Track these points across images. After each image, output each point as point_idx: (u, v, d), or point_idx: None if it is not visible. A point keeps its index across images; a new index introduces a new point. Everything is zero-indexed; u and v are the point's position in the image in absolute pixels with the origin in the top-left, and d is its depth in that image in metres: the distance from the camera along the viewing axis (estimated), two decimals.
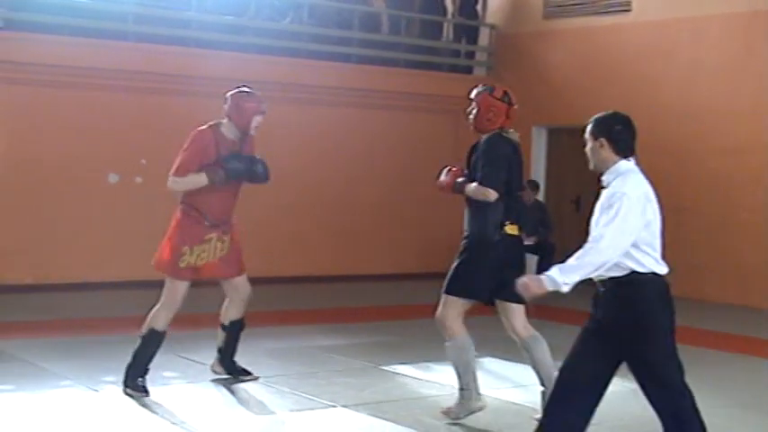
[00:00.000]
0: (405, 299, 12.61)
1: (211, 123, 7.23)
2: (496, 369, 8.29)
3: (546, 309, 12.25)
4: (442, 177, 6.85)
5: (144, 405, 6.75)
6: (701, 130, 13.00)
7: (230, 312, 7.39)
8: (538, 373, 6.60)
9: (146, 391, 6.92)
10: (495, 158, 6.49)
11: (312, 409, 6.79)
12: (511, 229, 6.48)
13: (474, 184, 6.49)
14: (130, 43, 12.37)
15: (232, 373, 7.50)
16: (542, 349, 6.62)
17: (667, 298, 4.91)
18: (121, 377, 7.12)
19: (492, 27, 15.57)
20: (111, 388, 7.10)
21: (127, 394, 6.91)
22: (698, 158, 13.02)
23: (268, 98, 13.26)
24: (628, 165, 5.19)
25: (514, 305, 6.56)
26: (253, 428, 6.37)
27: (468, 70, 15.89)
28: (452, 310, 6.53)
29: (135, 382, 6.95)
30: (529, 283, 5.03)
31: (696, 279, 12.77)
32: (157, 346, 7.07)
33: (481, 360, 8.52)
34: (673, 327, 4.87)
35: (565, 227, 14.33)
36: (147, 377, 7.00)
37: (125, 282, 12.00)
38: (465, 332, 6.60)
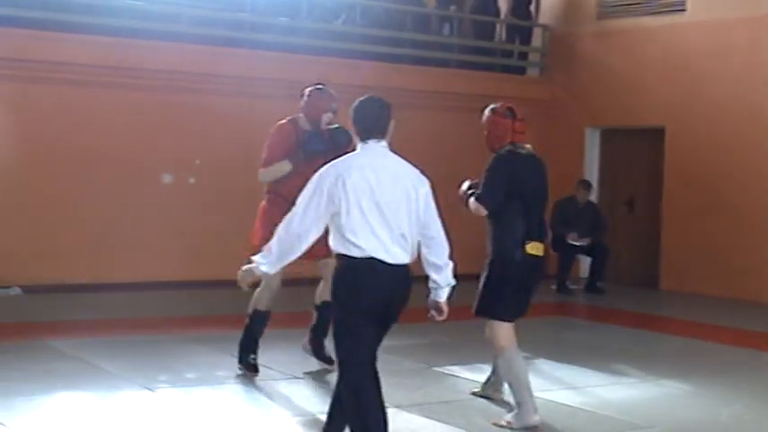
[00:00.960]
0: (457, 300, 12.57)
1: (290, 117, 7.78)
2: (549, 371, 8.24)
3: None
4: (462, 187, 7.01)
5: (198, 404, 6.80)
6: (758, 130, 12.83)
7: (324, 293, 7.54)
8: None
9: (255, 370, 7.54)
10: (495, 175, 6.51)
11: None
12: (532, 249, 6.43)
13: (472, 199, 6.65)
14: (184, 44, 12.46)
15: (318, 357, 7.84)
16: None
17: (362, 281, 5.09)
18: (175, 376, 7.20)
19: (545, 27, 15.49)
20: (166, 387, 7.17)
21: (240, 371, 7.56)
22: (755, 158, 12.86)
23: None
24: (361, 148, 5.31)
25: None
26: (304, 428, 6.39)
27: (521, 71, 15.83)
28: (500, 329, 6.58)
29: (247, 360, 7.59)
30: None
31: (753, 280, 12.65)
32: (263, 325, 7.65)
33: (535, 361, 8.50)
34: (363, 309, 5.10)
35: (618, 228, 14.24)
36: (201, 376, 7.06)
37: (178, 282, 12.10)
38: (513, 345, 6.61)
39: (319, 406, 6.80)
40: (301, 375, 7.69)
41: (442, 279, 5.50)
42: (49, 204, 11.77)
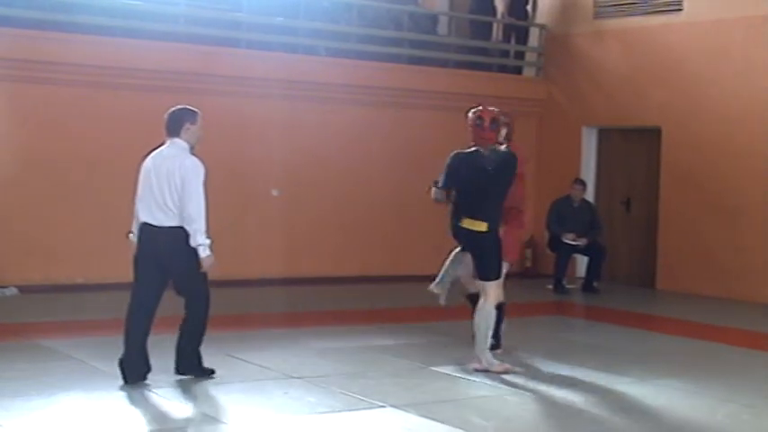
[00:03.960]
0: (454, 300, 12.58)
1: None
2: (546, 370, 8.24)
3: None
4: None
5: (194, 403, 6.81)
6: (754, 130, 12.84)
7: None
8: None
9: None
10: (445, 167, 8.10)
11: (361, 409, 6.80)
12: (466, 223, 7.93)
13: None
14: (181, 44, 12.46)
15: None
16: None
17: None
18: (172, 375, 7.22)
19: (542, 27, 15.50)
20: (162, 386, 7.16)
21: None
22: (751, 159, 12.87)
23: (317, 99, 13.50)
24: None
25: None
26: (302, 428, 6.40)
27: (518, 71, 15.84)
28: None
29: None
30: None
31: (748, 280, 12.66)
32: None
33: (531, 360, 8.52)
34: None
35: (615, 228, 14.25)
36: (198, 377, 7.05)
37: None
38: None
39: (308, 406, 6.80)
40: (296, 375, 7.69)
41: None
42: (45, 204, 11.75)
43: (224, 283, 12.37)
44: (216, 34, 12.82)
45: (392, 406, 6.83)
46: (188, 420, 6.51)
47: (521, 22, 15.63)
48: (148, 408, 6.72)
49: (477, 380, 7.69)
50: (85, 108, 11.99)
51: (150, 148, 7.63)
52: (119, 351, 7.24)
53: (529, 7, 15.67)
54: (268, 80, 12.93)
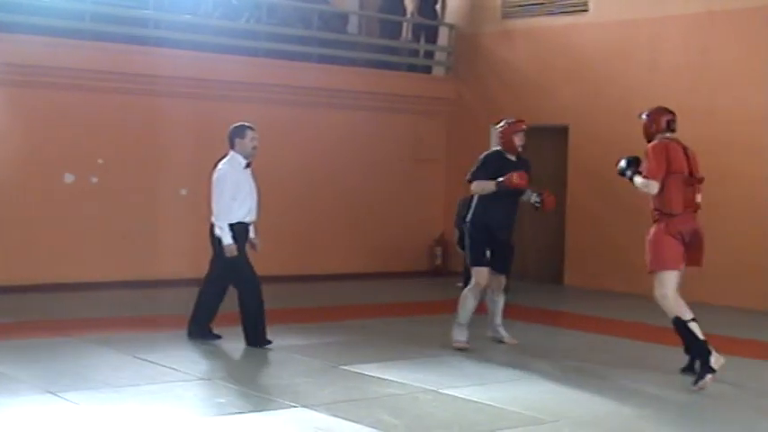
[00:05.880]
0: (365, 298, 12.62)
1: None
2: (456, 367, 8.30)
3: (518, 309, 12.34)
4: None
5: (101, 408, 6.69)
6: None
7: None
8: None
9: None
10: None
11: (272, 409, 6.76)
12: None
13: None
14: (87, 42, 12.26)
15: None
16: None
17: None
18: (79, 379, 7.08)
19: (451, 27, 15.60)
20: (69, 391, 7.02)
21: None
22: None
23: (226, 97, 13.39)
24: None
25: None
26: (212, 429, 6.33)
27: (428, 70, 15.93)
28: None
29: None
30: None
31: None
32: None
33: (441, 358, 8.57)
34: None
35: (524, 225, 14.37)
36: (104, 378, 6.93)
37: (82, 283, 11.93)
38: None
39: (218, 407, 6.76)
40: (206, 376, 7.62)
41: None
42: None
43: (135, 284, 12.27)
44: (123, 32, 12.63)
45: (303, 406, 6.80)
46: (95, 425, 6.38)
47: (430, 22, 15.71)
48: (56, 414, 6.57)
49: (388, 378, 7.69)
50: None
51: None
52: (23, 354, 7.09)
53: (438, 7, 15.76)
54: (176, 78, 12.79)
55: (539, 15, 14.49)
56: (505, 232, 9.11)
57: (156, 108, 12.79)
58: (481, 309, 9.26)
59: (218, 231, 8.65)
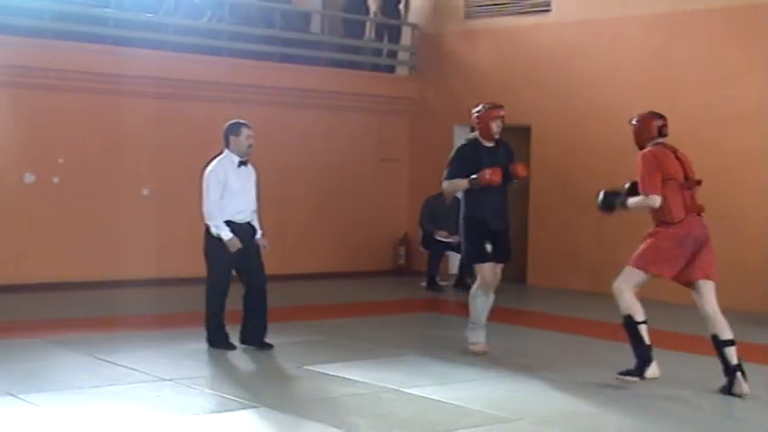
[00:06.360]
0: (328, 298, 12.60)
1: None
2: (419, 366, 8.31)
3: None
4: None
5: (62, 409, 6.63)
6: (620, 128, 13.13)
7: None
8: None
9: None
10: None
11: (235, 409, 6.73)
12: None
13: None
14: (47, 40, 12.15)
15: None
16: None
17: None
18: (40, 381, 7.01)
19: (414, 26, 15.62)
20: (29, 392, 6.95)
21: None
22: (617, 157, 13.16)
23: (188, 97, 13.33)
24: None
25: None
26: (175, 430, 6.29)
27: (391, 69, 15.93)
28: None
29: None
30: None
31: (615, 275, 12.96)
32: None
33: (404, 357, 8.57)
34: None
35: None
36: (64, 380, 6.86)
37: (42, 284, 11.84)
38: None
39: (180, 408, 6.73)
40: (168, 377, 7.58)
41: None
42: None
43: (96, 285, 12.18)
44: (83, 30, 12.53)
45: (266, 406, 6.78)
46: (57, 427, 6.32)
47: (393, 21, 15.72)
48: (17, 416, 6.50)
49: (352, 378, 7.69)
50: None
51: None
52: None
53: (401, 6, 15.77)
54: (138, 77, 12.71)
55: (501, 15, 14.53)
56: (502, 222, 8.80)
57: (118, 107, 12.70)
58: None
59: (214, 231, 8.49)
